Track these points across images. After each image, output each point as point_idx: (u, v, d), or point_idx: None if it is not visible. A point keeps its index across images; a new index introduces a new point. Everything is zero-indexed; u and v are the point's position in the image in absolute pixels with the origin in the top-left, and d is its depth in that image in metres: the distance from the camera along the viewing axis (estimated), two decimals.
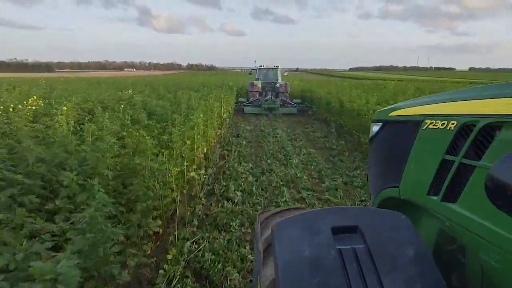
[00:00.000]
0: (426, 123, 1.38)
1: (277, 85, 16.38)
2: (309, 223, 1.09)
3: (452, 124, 1.22)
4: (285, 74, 19.32)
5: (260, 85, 16.06)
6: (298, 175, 5.96)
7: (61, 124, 4.34)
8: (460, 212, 1.08)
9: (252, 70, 20.06)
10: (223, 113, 9.60)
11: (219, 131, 8.76)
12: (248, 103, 15.86)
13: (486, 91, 1.18)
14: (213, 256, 3.29)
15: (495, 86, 1.17)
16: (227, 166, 6.50)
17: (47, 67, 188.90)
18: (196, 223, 4.04)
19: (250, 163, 6.68)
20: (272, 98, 15.37)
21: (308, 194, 5.03)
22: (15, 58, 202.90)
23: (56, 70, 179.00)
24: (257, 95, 16.02)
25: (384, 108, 1.93)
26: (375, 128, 1.94)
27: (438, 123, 1.31)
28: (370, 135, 2.00)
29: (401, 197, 1.50)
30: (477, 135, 1.10)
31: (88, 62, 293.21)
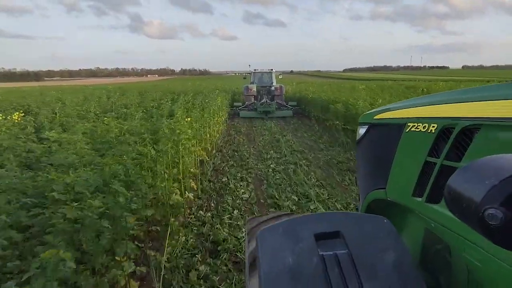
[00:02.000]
0: (409, 126, 1.39)
1: (272, 88, 16.19)
2: (292, 230, 1.06)
3: (433, 127, 1.23)
4: (279, 77, 18.98)
5: (255, 89, 15.82)
6: None
7: None
8: (444, 213, 1.08)
9: (246, 74, 19.67)
10: (185, 184, 3.75)
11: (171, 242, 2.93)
12: (243, 107, 15.42)
13: (464, 94, 1.19)
14: None
15: (473, 89, 1.18)
16: None
17: (36, 75, 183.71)
18: None
19: None
20: (268, 101, 15.08)
21: None
22: (2, 68, 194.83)
23: (45, 78, 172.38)
24: (253, 99, 15.64)
25: (370, 111, 1.89)
26: (361, 130, 1.90)
27: (420, 126, 1.32)
28: (357, 138, 1.95)
29: (388, 198, 1.51)
30: (456, 138, 1.12)
31: (79, 70, 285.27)
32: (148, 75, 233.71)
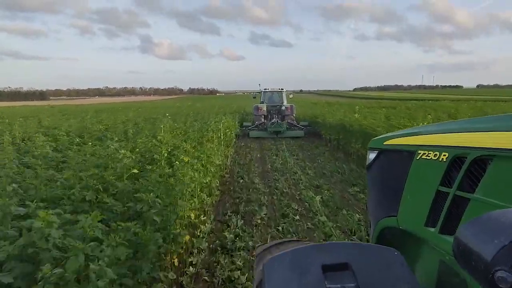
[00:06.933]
0: (419, 153, 1.35)
1: (283, 107, 15.87)
2: (299, 261, 1.00)
3: (444, 155, 1.19)
4: (290, 96, 18.82)
5: (265, 109, 15.58)
6: None
7: None
8: None
9: (256, 94, 19.13)
10: None
11: None
12: (253, 127, 15.28)
13: (476, 123, 1.17)
14: None
15: (486, 119, 1.16)
16: None
17: (41, 95, 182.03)
18: None
19: None
20: (278, 121, 14.83)
21: None
22: (8, 87, 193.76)
23: (51, 97, 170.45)
24: (263, 119, 15.44)
25: (379, 137, 1.86)
26: (371, 155, 1.84)
27: (430, 154, 1.28)
28: (367, 163, 1.90)
29: (400, 227, 1.44)
30: (469, 168, 1.08)
31: (88, 89, 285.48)
32: (152, 95, 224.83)
